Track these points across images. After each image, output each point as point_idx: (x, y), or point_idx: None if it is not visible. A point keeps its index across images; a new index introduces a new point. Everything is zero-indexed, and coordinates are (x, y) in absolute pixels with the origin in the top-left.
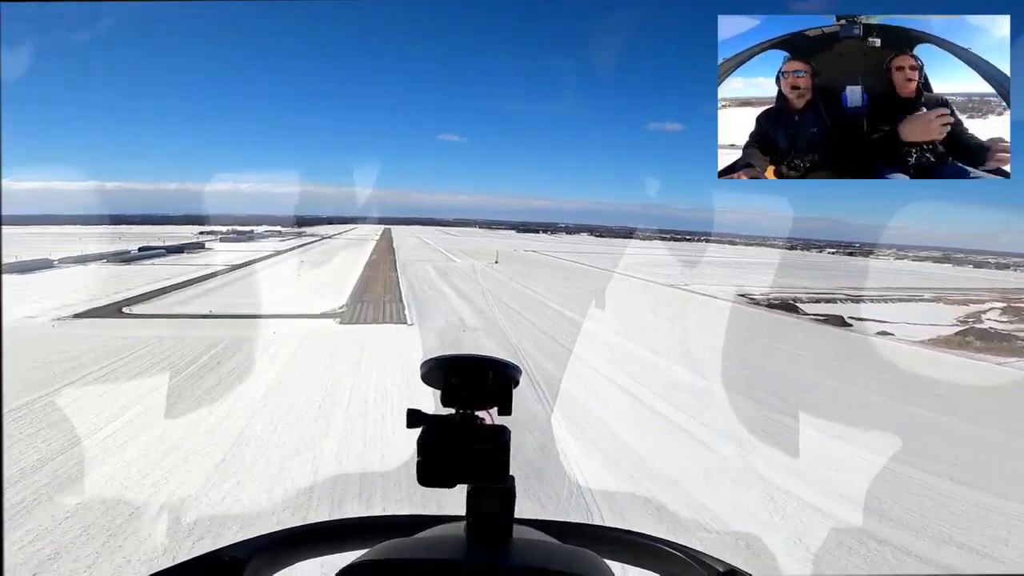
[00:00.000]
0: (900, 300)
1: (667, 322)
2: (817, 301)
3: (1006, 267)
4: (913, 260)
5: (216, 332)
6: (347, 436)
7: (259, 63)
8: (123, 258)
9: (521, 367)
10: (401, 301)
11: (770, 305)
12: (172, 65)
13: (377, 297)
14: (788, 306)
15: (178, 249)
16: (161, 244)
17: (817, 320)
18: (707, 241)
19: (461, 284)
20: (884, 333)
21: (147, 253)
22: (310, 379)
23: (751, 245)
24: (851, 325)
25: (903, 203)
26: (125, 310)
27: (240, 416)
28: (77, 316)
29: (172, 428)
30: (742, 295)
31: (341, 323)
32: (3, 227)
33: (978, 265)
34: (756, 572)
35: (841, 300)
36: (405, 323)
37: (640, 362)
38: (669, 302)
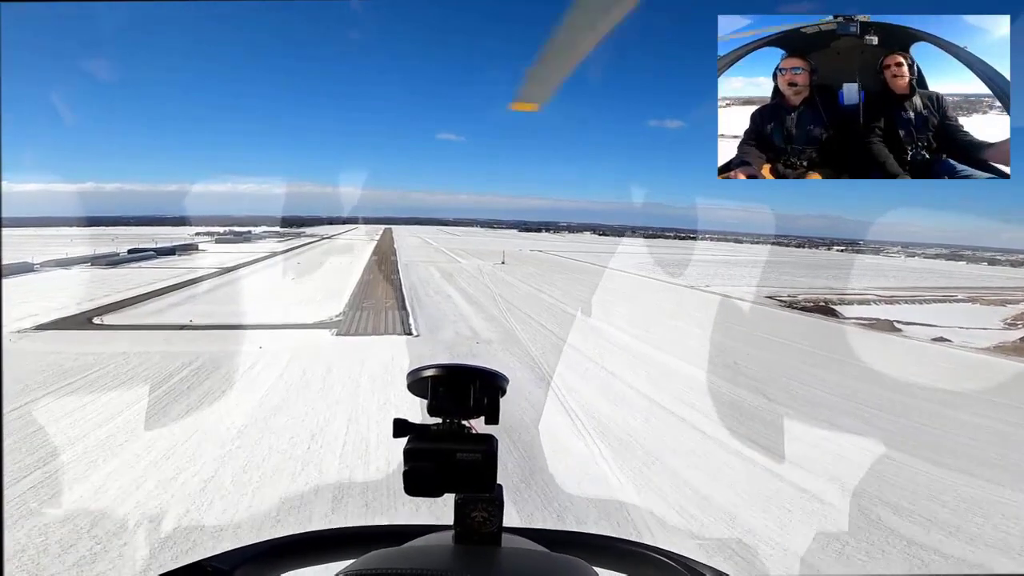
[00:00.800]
0: (935, 301)
1: (701, 329)
2: (850, 303)
3: (1021, 264)
4: (924, 258)
5: (192, 347)
6: (342, 494)
7: (258, 64)
8: (109, 261)
9: (534, 383)
10: (405, 308)
11: (804, 308)
12: (172, 66)
13: (378, 303)
14: (823, 309)
15: (169, 251)
16: (153, 246)
17: (862, 325)
18: (711, 239)
19: (469, 287)
20: (941, 339)
21: (136, 255)
22: (298, 409)
23: (756, 243)
24: (901, 330)
25: (902, 200)
26: (96, 320)
27: (207, 461)
28: (40, 328)
29: (116, 477)
30: (770, 297)
31: (338, 335)
32: (1, 229)
33: (991, 263)
34: None
35: (874, 302)
36: (410, 334)
37: (692, 383)
38: (697, 306)
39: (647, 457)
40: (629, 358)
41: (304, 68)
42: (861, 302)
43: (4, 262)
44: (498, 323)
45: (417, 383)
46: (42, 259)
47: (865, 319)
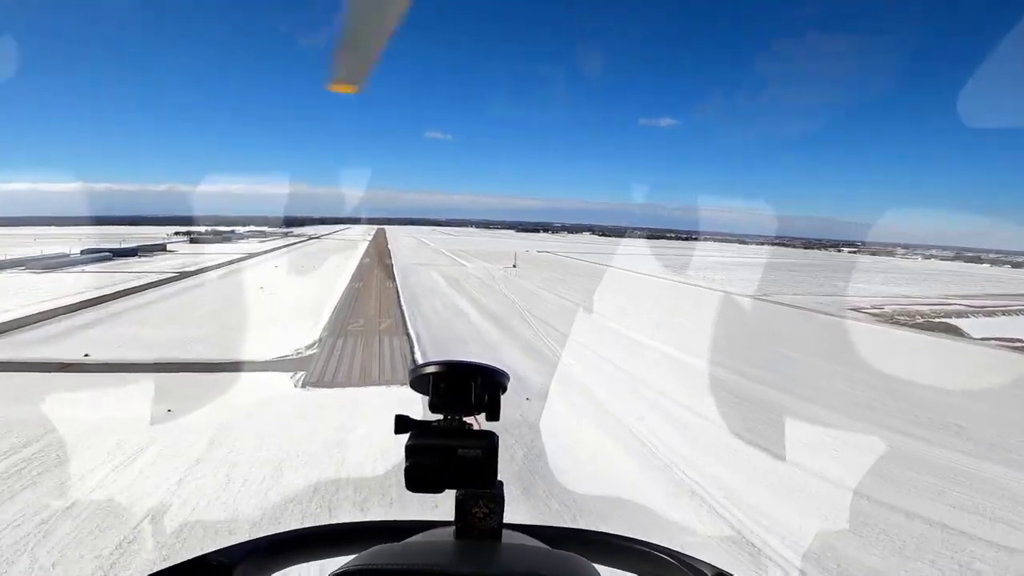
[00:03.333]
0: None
1: (825, 361)
2: (946, 316)
3: None
4: (940, 260)
5: (54, 408)
6: None
7: (250, 64)
8: (48, 264)
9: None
10: (407, 332)
11: (915, 325)
12: (163, 66)
13: (369, 325)
14: (938, 326)
15: (130, 252)
16: (114, 246)
17: (1014, 348)
18: (711, 240)
19: (484, 299)
20: None
21: (88, 257)
22: None
23: (761, 244)
24: None
25: (900, 201)
26: None
27: None
28: None
29: None
30: (854, 309)
31: (304, 386)
32: None
33: (1015, 265)
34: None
35: (971, 314)
36: None
37: (929, 471)
38: (781, 322)
39: None
40: (772, 417)
41: (297, 68)
42: (958, 314)
43: None
44: (541, 356)
45: (418, 380)
46: None
47: (1005, 340)
